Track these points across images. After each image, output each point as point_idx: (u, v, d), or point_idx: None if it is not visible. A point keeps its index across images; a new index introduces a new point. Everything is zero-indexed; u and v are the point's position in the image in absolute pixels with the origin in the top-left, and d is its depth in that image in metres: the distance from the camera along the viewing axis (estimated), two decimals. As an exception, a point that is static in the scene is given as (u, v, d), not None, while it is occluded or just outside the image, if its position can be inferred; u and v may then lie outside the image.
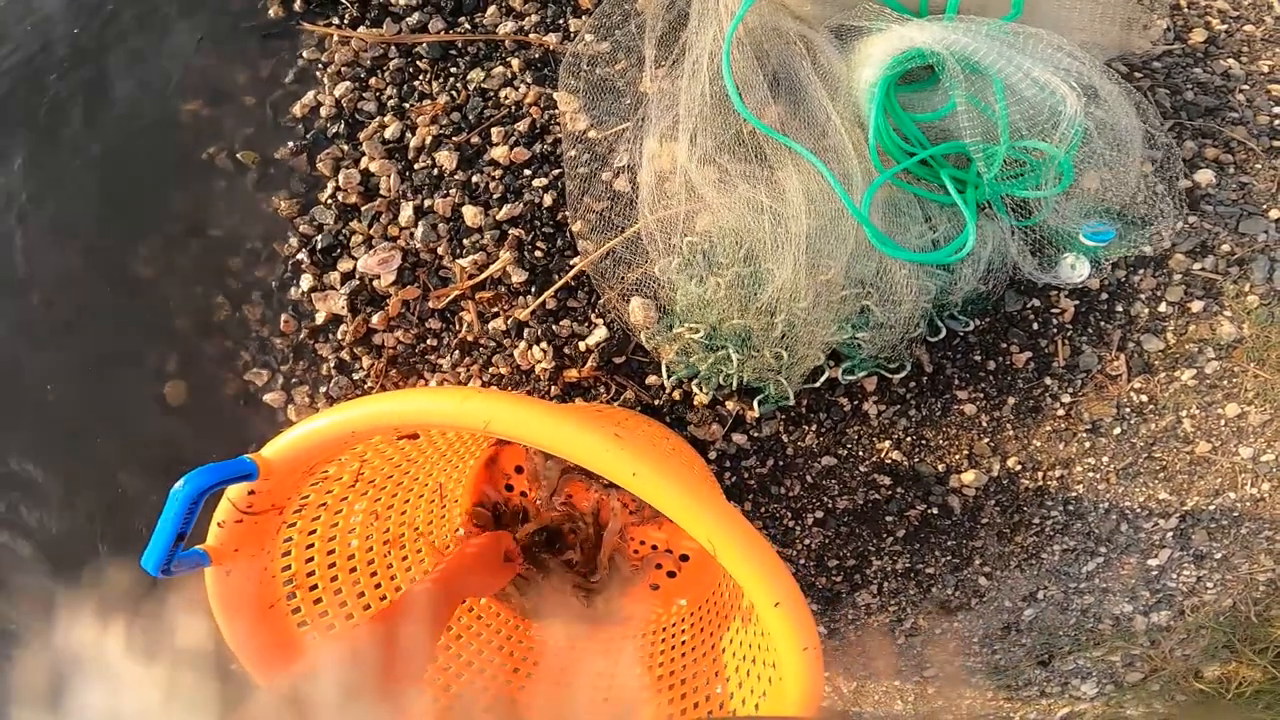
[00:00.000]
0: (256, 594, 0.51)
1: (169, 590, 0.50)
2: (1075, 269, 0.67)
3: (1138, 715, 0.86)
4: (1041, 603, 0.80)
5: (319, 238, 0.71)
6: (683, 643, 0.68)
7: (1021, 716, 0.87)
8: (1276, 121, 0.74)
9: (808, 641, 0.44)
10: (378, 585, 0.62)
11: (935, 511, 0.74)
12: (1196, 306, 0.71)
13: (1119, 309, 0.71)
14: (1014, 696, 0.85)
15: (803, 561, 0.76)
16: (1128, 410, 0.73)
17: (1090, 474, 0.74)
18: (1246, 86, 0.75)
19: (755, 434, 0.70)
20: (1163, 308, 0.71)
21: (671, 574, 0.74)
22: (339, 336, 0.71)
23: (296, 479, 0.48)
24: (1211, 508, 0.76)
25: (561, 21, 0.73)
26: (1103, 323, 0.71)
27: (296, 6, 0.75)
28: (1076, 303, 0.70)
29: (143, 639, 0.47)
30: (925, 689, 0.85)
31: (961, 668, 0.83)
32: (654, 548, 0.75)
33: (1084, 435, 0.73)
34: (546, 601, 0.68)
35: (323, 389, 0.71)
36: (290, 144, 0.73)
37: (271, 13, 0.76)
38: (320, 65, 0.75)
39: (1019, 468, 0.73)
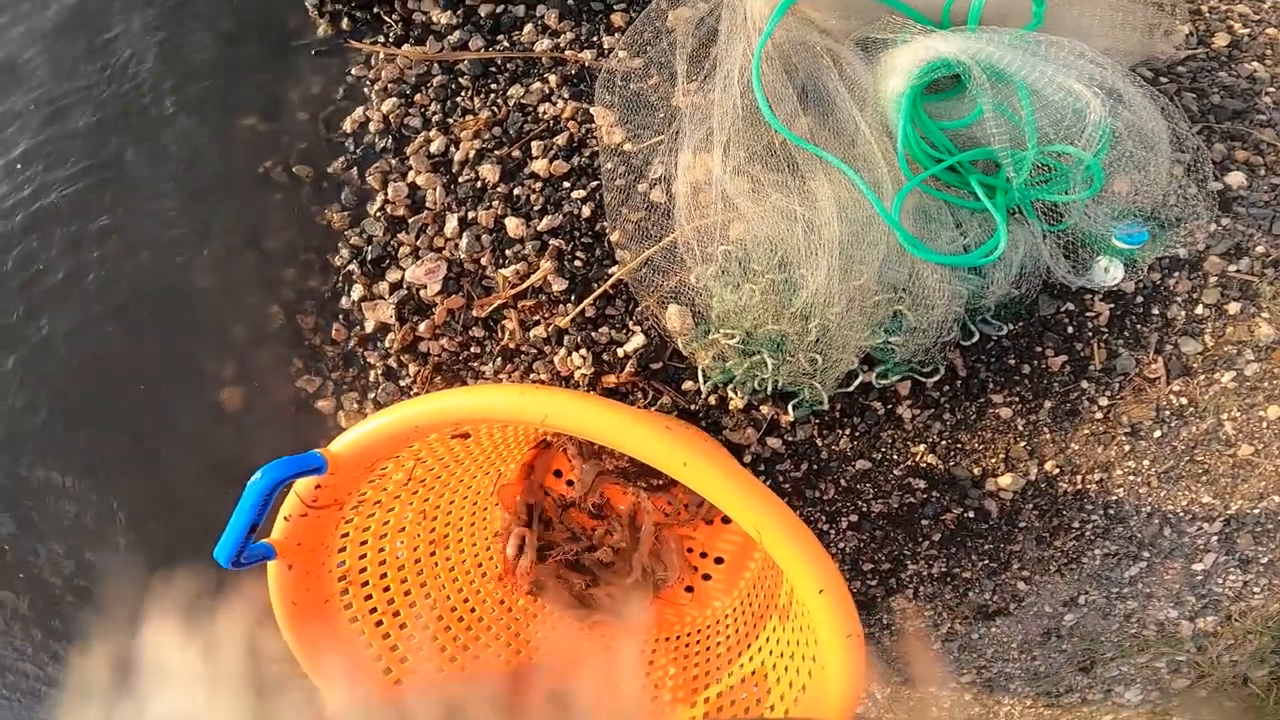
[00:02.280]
0: (314, 589, 0.56)
1: (233, 596, 0.55)
2: (1109, 272, 0.70)
3: (1184, 723, 0.87)
4: (1083, 608, 0.82)
5: (369, 249, 0.77)
6: (718, 643, 0.72)
7: (1063, 725, 0.88)
8: None
9: (851, 628, 0.47)
10: (424, 584, 0.67)
11: (971, 515, 0.77)
12: (1234, 308, 0.73)
13: (1155, 312, 0.73)
14: (1055, 704, 0.87)
15: (838, 565, 0.79)
16: (1167, 413, 0.75)
17: (1130, 477, 0.76)
18: (1273, 89, 0.78)
19: (790, 438, 0.74)
20: (1199, 310, 0.73)
21: (707, 577, 0.78)
22: (387, 344, 0.77)
23: (359, 475, 0.54)
24: (1256, 511, 0.78)
25: (595, 39, 0.79)
26: (1139, 325, 0.74)
27: (344, 25, 0.82)
28: (1111, 306, 0.73)
29: (209, 644, 0.52)
30: (962, 695, 0.87)
31: (1000, 674, 0.85)
32: (689, 550, 0.79)
33: (1123, 438, 0.75)
34: (568, 601, 0.72)
35: (371, 395, 0.77)
36: (341, 158, 0.80)
37: (320, 31, 0.83)
38: (368, 82, 0.82)
39: (1057, 471, 0.76)
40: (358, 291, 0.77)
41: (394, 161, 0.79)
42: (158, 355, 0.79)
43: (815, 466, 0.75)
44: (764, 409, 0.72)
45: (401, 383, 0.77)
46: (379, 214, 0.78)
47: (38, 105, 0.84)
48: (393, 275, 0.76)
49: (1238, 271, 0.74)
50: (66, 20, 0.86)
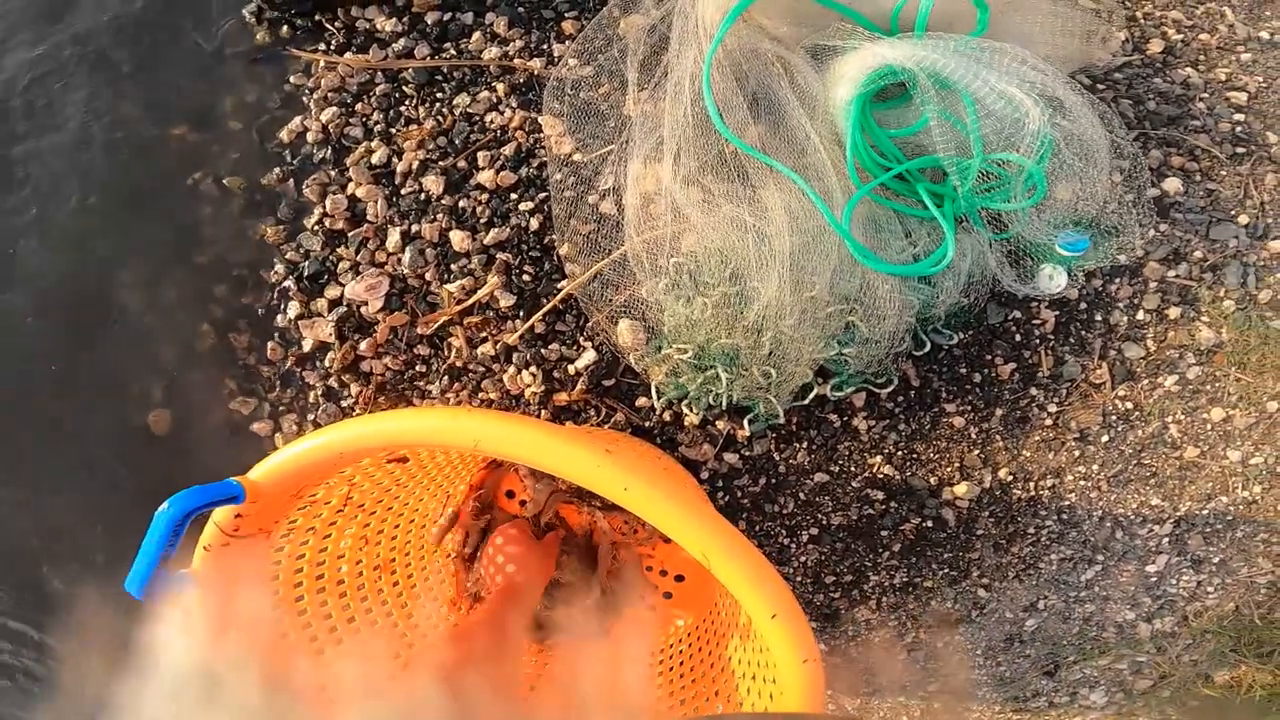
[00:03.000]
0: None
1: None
2: (1053, 279, 0.72)
3: (1150, 723, 0.89)
4: (1043, 612, 0.84)
5: (306, 264, 0.75)
6: (681, 664, 0.71)
7: (1030, 730, 0.90)
8: (1238, 128, 0.80)
9: (807, 653, 0.46)
10: (369, 610, 0.64)
11: (930, 525, 0.78)
12: (1174, 313, 0.76)
13: (1098, 318, 0.76)
14: (1022, 708, 0.89)
15: (800, 579, 0.80)
16: (1114, 418, 0.77)
17: (1081, 482, 0.79)
18: (1206, 94, 0.82)
19: (747, 453, 0.74)
20: (1141, 315, 0.76)
21: (668, 595, 0.77)
22: (326, 364, 0.74)
23: (284, 502, 0.51)
24: (1205, 512, 0.81)
25: (545, 47, 0.78)
26: (1083, 332, 0.76)
27: (283, 32, 0.80)
28: (1057, 313, 0.75)
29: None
30: (931, 704, 0.88)
31: (966, 680, 0.86)
32: (649, 568, 0.78)
33: (1073, 444, 0.77)
34: (556, 618, 0.71)
35: (310, 417, 0.75)
36: (277, 170, 0.77)
37: (258, 38, 0.80)
38: (307, 91, 0.79)
39: (1010, 478, 0.78)
40: (294, 309, 0.75)
41: (333, 173, 0.76)
42: (81, 375, 0.75)
43: (774, 480, 0.75)
44: (720, 424, 0.72)
45: (343, 403, 0.74)
46: (317, 227, 0.75)
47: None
48: (332, 291, 0.74)
49: (1176, 277, 0.77)
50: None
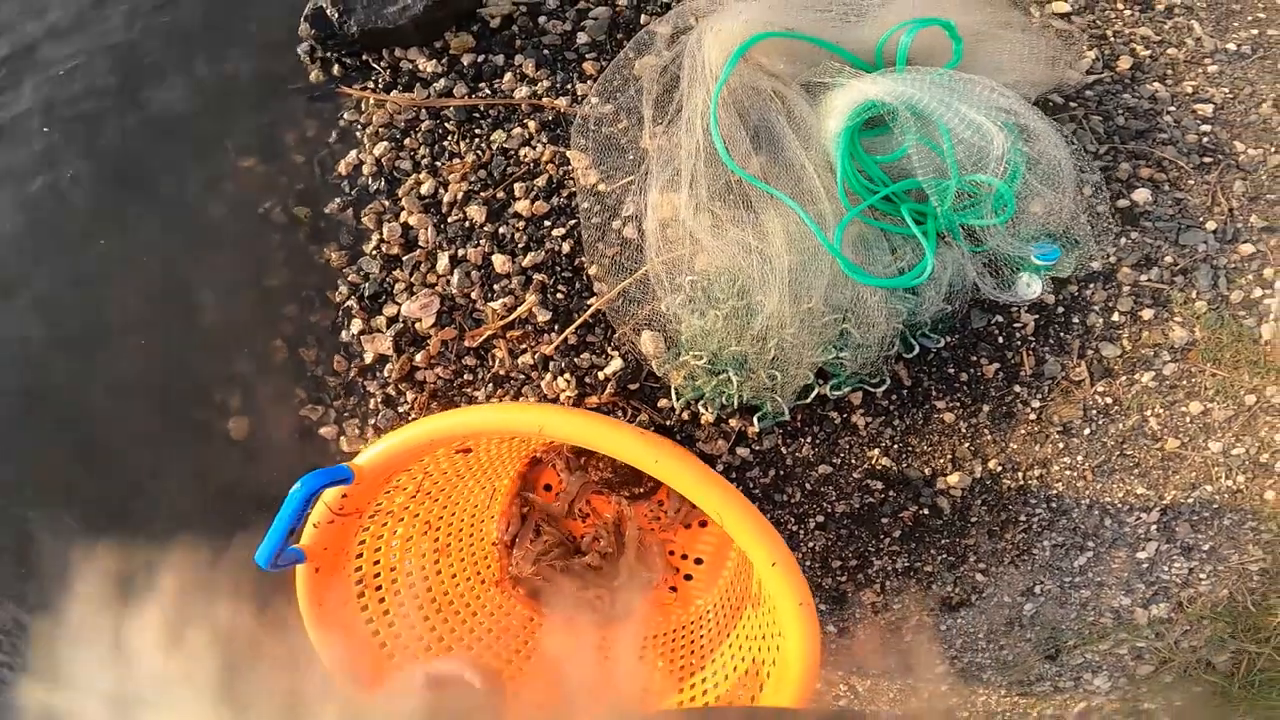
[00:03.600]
0: (336, 592, 0.69)
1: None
2: (1030, 286, 0.86)
3: (1156, 708, 1.00)
4: (1040, 597, 0.96)
5: (366, 285, 0.91)
6: (701, 636, 0.86)
7: (1039, 713, 1.01)
8: (1205, 139, 0.93)
9: (801, 597, 0.59)
10: (429, 589, 0.80)
11: (926, 512, 0.91)
12: (1147, 314, 0.89)
13: (1075, 320, 0.89)
14: (1028, 692, 1.00)
15: (809, 564, 0.93)
16: (1094, 412, 0.90)
17: (1068, 472, 0.91)
18: (1173, 108, 0.94)
19: (757, 447, 0.88)
20: (1115, 317, 0.89)
21: (688, 577, 0.92)
22: (385, 374, 0.90)
23: (378, 486, 0.67)
24: (1190, 501, 0.92)
25: (569, 86, 0.94)
26: (1062, 333, 0.90)
27: (335, 71, 0.96)
28: (1036, 317, 0.89)
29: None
30: (938, 686, 1.00)
31: (971, 664, 0.98)
32: (671, 553, 0.93)
33: (1056, 437, 0.90)
34: (565, 599, 0.85)
35: (371, 421, 0.91)
36: (337, 199, 0.94)
37: (312, 77, 0.96)
38: (359, 126, 0.96)
39: (1000, 469, 0.91)
40: (356, 325, 0.91)
41: (387, 203, 0.93)
42: (166, 389, 0.91)
43: (781, 472, 0.90)
44: (732, 422, 0.87)
45: (400, 409, 0.90)
46: (375, 252, 0.92)
47: (34, 156, 0.97)
48: (389, 310, 0.90)
49: (1149, 280, 0.90)
50: (69, 66, 0.99)
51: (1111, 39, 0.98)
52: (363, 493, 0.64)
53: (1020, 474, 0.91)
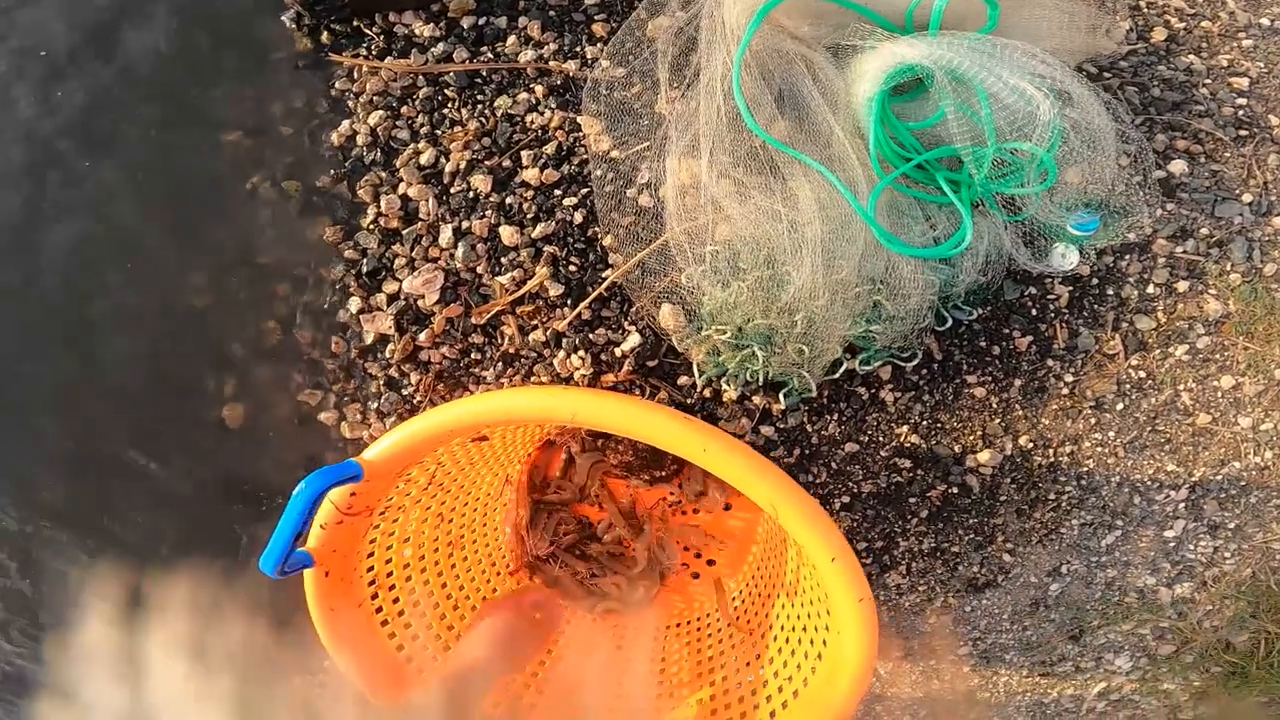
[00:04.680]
0: (349, 594, 0.63)
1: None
2: (1065, 258, 0.82)
3: (1175, 688, 0.98)
4: (1066, 577, 0.93)
5: (364, 262, 0.85)
6: (725, 625, 0.81)
7: (1059, 692, 0.99)
8: (1240, 112, 0.89)
9: (862, 593, 0.54)
10: (444, 585, 0.75)
11: (955, 491, 0.88)
12: (1182, 286, 0.86)
13: (1110, 292, 0.85)
14: (1049, 673, 0.98)
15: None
16: (1128, 386, 0.87)
17: (1099, 449, 0.88)
18: (1209, 80, 0.91)
19: (781, 425, 0.84)
20: (1150, 289, 0.86)
21: (711, 562, 0.88)
22: (387, 355, 0.84)
23: (389, 481, 0.61)
24: (1219, 477, 0.90)
25: (578, 49, 0.88)
26: (1096, 306, 0.86)
27: (324, 39, 0.89)
28: (1070, 289, 0.85)
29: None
30: (961, 668, 0.97)
31: (994, 645, 0.96)
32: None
33: (1089, 412, 0.87)
34: (578, 592, 0.81)
35: (373, 405, 0.85)
36: (330, 172, 0.87)
37: (300, 45, 0.89)
38: (352, 95, 0.89)
39: (1031, 445, 0.87)
40: (355, 304, 0.85)
41: (384, 174, 0.86)
42: (155, 375, 0.85)
43: (807, 451, 0.85)
44: (756, 399, 0.82)
45: (404, 392, 0.84)
46: (372, 226, 0.85)
47: (5, 128, 0.90)
48: (389, 287, 0.84)
49: (1184, 252, 0.86)
50: (40, 42, 0.91)
51: (1145, 10, 0.94)
52: (373, 490, 0.59)
53: (1051, 450, 0.87)
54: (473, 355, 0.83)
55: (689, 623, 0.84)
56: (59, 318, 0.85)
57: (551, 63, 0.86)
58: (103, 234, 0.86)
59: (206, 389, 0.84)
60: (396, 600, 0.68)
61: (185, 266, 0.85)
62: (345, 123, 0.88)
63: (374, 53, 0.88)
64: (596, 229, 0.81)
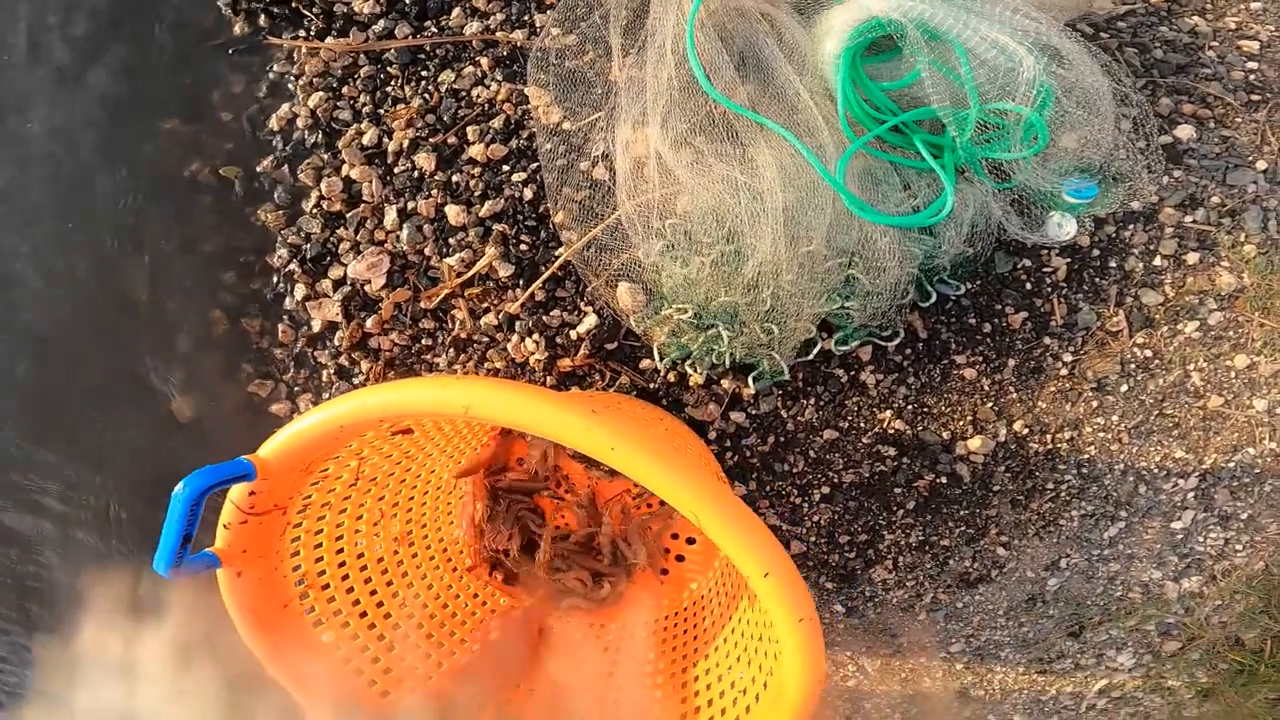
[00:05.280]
0: (269, 595, 0.59)
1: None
2: (1062, 227, 0.74)
3: (1179, 686, 0.92)
4: (1065, 571, 0.87)
5: (307, 247, 0.80)
6: (695, 626, 0.76)
7: (1058, 690, 0.93)
8: (1251, 76, 0.81)
9: (803, 612, 0.47)
10: (389, 583, 0.71)
11: (944, 481, 0.81)
12: (1192, 258, 0.78)
13: (1112, 265, 0.78)
14: (1047, 670, 0.92)
15: (814, 539, 0.84)
16: (1133, 366, 0.80)
17: (1101, 434, 0.81)
18: (1216, 43, 0.82)
19: (753, 411, 0.78)
20: (1158, 261, 0.78)
21: (680, 558, 0.83)
22: (336, 343, 0.80)
23: (295, 478, 0.56)
24: (1231, 465, 0.82)
25: (526, 18, 0.82)
26: (1097, 279, 0.78)
27: (261, 22, 0.84)
28: (1068, 260, 0.77)
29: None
30: (953, 665, 0.92)
31: (988, 641, 0.90)
32: (674, 535, 0.83)
33: (1090, 394, 0.80)
34: (543, 589, 0.76)
35: (325, 395, 0.81)
36: (270, 157, 0.83)
37: (236, 29, 0.85)
38: (292, 77, 0.84)
39: (1026, 431, 0.81)
40: (300, 291, 0.80)
41: (326, 156, 0.81)
42: (102, 370, 0.82)
43: (782, 439, 0.79)
44: (724, 383, 0.76)
45: (355, 380, 0.80)
46: (315, 210, 0.81)
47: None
48: (335, 272, 0.80)
49: (1194, 222, 0.78)
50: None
51: (1144, -34, 0.85)
52: (277, 487, 0.54)
53: (1049, 437, 0.81)
54: (423, 341, 0.79)
55: (658, 620, 0.79)
56: None
57: (498, 33, 0.80)
58: (44, 229, 0.83)
59: (153, 382, 0.81)
60: (332, 600, 0.64)
61: (126, 257, 0.82)
62: (285, 106, 0.83)
63: (313, 33, 0.83)
64: (547, 206, 0.76)
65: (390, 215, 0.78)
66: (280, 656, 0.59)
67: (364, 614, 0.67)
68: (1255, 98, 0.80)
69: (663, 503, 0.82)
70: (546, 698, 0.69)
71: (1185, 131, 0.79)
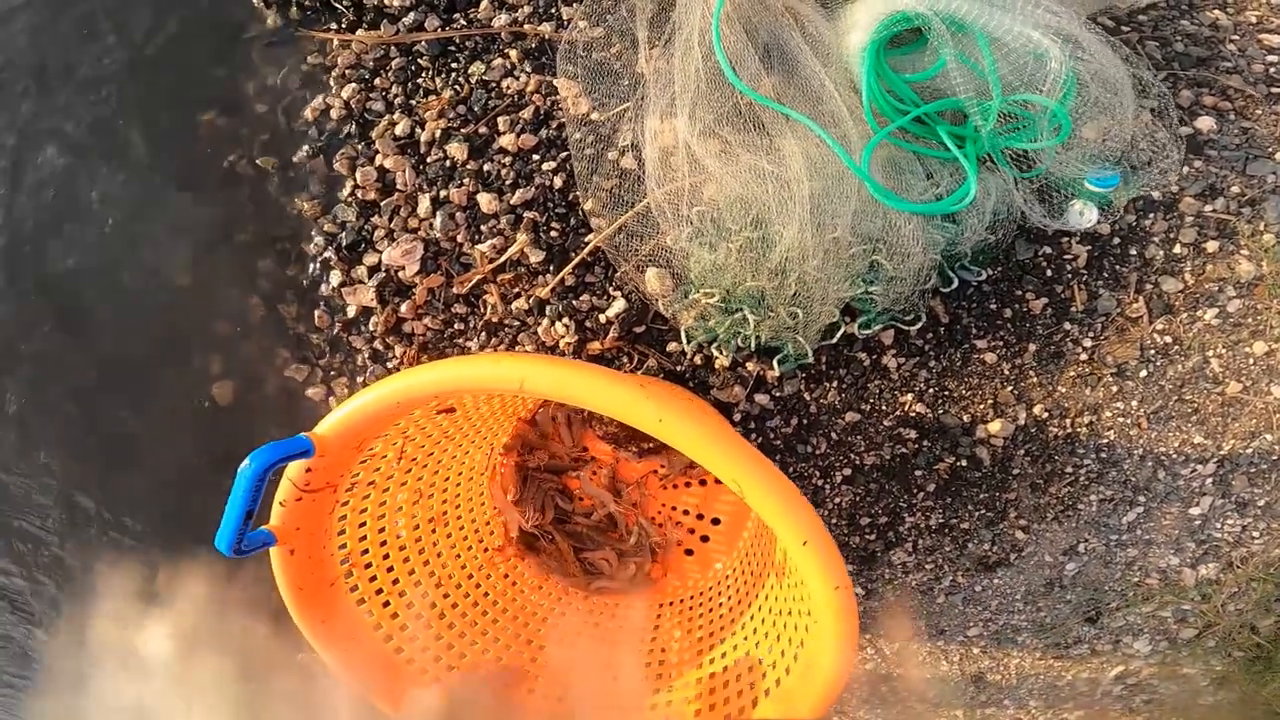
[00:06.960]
0: (318, 573, 0.61)
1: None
2: (1084, 215, 0.75)
3: (1195, 673, 0.92)
4: (1083, 556, 0.87)
5: (343, 235, 0.82)
6: (720, 604, 0.78)
7: (1074, 675, 0.94)
8: (1272, 69, 0.81)
9: (838, 579, 0.49)
10: (426, 563, 0.72)
11: (964, 464, 0.82)
12: (1212, 247, 0.78)
13: (1132, 252, 0.78)
14: (1064, 655, 0.92)
15: (835, 521, 0.85)
16: (1152, 352, 0.80)
17: (1120, 419, 0.82)
18: (1236, 36, 0.83)
19: (777, 393, 0.79)
20: (1177, 249, 0.78)
21: (705, 538, 0.84)
22: (370, 328, 0.82)
23: (348, 456, 0.58)
24: (1249, 451, 0.83)
25: (553, 10, 0.83)
26: (1117, 266, 0.79)
27: (293, 14, 0.86)
28: (1089, 248, 0.78)
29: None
30: (970, 649, 0.92)
31: (1006, 626, 0.90)
32: (685, 513, 0.84)
33: (1110, 379, 0.80)
34: (571, 569, 0.77)
35: (360, 379, 0.82)
36: (306, 147, 0.84)
37: (269, 22, 0.87)
38: (324, 69, 0.86)
39: (1046, 415, 0.81)
40: (336, 277, 0.82)
41: (360, 146, 0.83)
42: (142, 356, 0.84)
43: (805, 421, 0.80)
44: (750, 366, 0.77)
45: (390, 364, 0.82)
46: (350, 199, 0.82)
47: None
48: (370, 259, 0.81)
49: (1214, 211, 0.79)
50: (10, 27, 0.89)
51: (1164, -36, 0.86)
52: (331, 465, 0.56)
53: (1068, 421, 0.81)
54: (456, 326, 0.80)
55: (682, 600, 0.80)
56: (43, 302, 0.84)
57: (526, 26, 0.82)
58: (87, 220, 0.85)
59: (195, 368, 0.83)
60: (374, 579, 0.65)
61: (166, 245, 0.84)
62: (319, 97, 0.85)
63: (344, 25, 0.85)
64: (577, 193, 0.77)
65: (424, 203, 0.80)
66: (326, 633, 0.61)
67: (402, 593, 0.68)
68: (1275, 90, 0.81)
69: (688, 484, 0.83)
70: (548, 684, 0.69)
71: (1206, 123, 0.79)
